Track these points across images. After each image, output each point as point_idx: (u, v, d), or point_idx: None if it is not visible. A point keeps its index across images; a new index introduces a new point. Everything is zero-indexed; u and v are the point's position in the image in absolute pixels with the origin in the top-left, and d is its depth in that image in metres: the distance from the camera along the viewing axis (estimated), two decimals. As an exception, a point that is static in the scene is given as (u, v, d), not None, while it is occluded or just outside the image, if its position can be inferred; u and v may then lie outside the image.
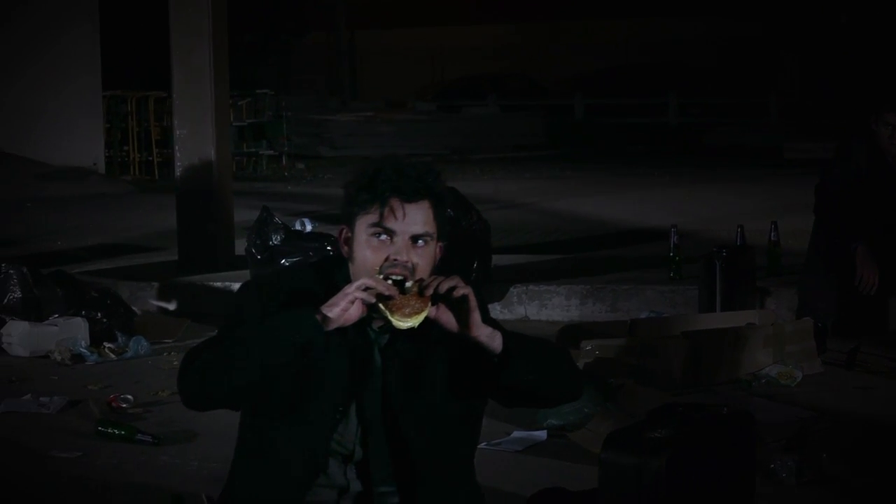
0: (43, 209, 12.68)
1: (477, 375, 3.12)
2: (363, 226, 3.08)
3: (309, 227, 10.17)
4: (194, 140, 7.62)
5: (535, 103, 29.29)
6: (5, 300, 6.43)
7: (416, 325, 2.99)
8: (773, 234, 7.01)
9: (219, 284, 7.30)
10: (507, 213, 11.10)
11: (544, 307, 6.88)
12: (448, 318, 3.02)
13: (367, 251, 3.08)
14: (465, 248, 6.79)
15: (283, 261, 6.58)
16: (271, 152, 19.55)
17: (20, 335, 6.28)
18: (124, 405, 5.38)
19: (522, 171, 18.13)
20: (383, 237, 3.06)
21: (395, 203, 3.06)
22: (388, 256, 3.05)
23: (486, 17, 39.30)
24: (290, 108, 20.28)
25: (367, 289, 2.98)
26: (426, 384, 3.12)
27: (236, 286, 7.07)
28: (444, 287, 3.01)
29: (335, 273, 3.17)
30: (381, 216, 3.06)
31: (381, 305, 2.98)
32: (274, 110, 19.85)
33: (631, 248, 9.00)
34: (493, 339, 3.05)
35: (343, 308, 2.99)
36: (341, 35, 30.51)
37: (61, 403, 5.41)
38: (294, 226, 10.10)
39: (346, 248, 3.14)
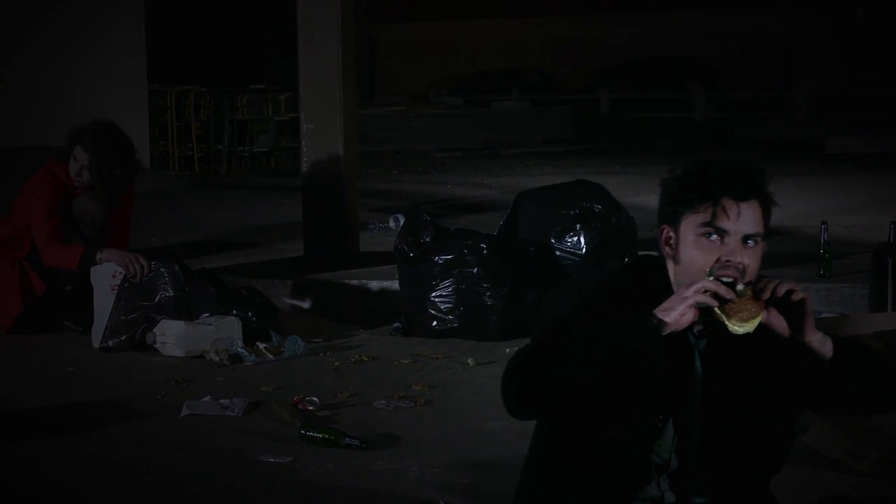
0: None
1: (799, 382, 3.01)
2: (691, 225, 2.97)
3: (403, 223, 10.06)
4: (322, 135, 7.48)
5: (559, 98, 29.20)
6: (157, 298, 6.28)
7: (752, 329, 2.88)
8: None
9: (355, 283, 7.15)
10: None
11: (694, 305, 6.74)
12: (779, 323, 2.91)
13: (695, 252, 2.96)
14: (616, 246, 6.67)
15: (435, 258, 6.44)
16: (312, 147, 19.41)
17: (176, 335, 6.13)
18: (311, 407, 5.24)
19: (569, 166, 17.98)
20: (714, 237, 2.94)
21: (728, 202, 2.96)
22: (720, 258, 2.94)
23: (500, 11, 39.23)
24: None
25: (705, 291, 2.87)
26: (746, 391, 3.01)
27: (373, 284, 7.00)
28: (782, 290, 2.90)
29: (650, 275, 3.06)
30: (714, 215, 2.95)
31: (716, 309, 2.87)
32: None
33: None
34: (824, 345, 2.95)
35: (681, 312, 2.88)
36: (362, 28, 30.26)
37: (243, 405, 5.28)
38: (388, 223, 9.99)
39: (667, 248, 3.03)
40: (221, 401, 5.33)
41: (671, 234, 3.02)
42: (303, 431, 4.84)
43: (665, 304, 2.89)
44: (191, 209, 12.40)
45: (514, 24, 39.65)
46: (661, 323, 2.87)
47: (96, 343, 6.35)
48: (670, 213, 3.04)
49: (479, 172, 16.95)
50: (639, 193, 12.22)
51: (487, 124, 23.58)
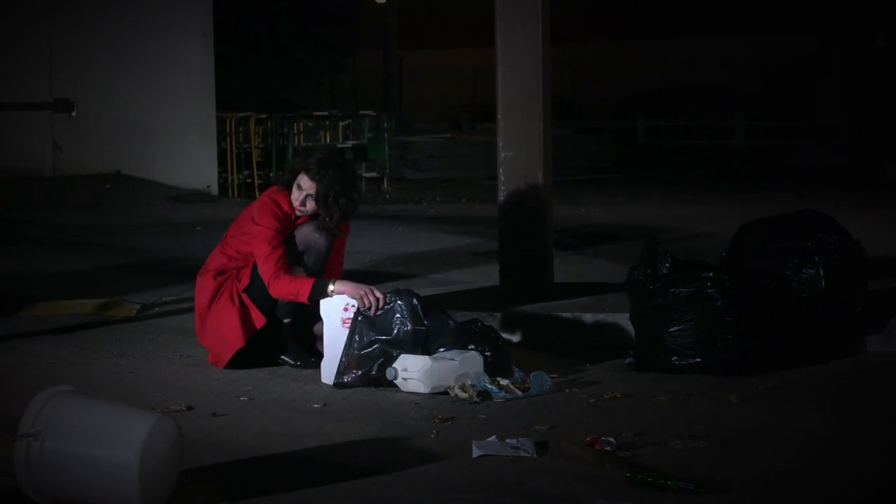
0: (211, 234, 12.27)
1: None
2: None
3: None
4: (521, 162, 7.27)
5: (593, 125, 29.05)
6: (394, 332, 6.04)
7: None
8: None
9: (568, 315, 6.94)
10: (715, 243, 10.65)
11: (928, 338, 6.57)
12: None
13: None
14: (854, 278, 6.48)
15: (675, 290, 6.23)
16: (373, 174, 19.25)
17: (422, 370, 5.89)
18: (608, 448, 5.02)
19: (635, 195, 17.81)
20: None
21: None
22: None
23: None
24: (385, 131, 19.94)
25: None
26: None
27: (587, 317, 6.78)
28: None
29: None
30: None
31: None
32: (374, 132, 19.56)
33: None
34: None
35: None
36: (391, 55, 30.16)
37: (532, 445, 5.05)
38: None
39: None
40: (508, 440, 5.10)
41: None
42: (629, 475, 4.62)
43: None
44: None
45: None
46: None
47: (328, 379, 6.11)
48: None
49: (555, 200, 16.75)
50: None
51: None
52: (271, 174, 18.25)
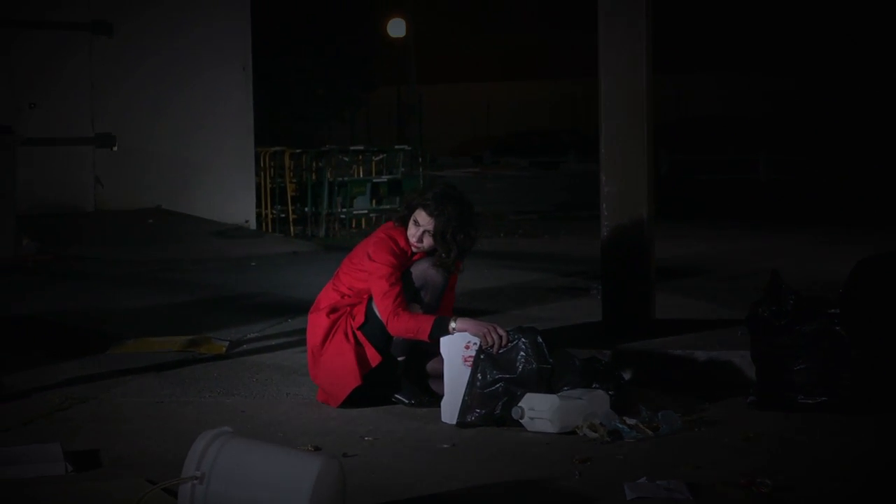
0: (268, 269, 12.16)
1: None
2: None
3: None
4: (625, 198, 7.17)
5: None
6: (518, 371, 5.92)
7: None
8: None
9: (679, 352, 6.82)
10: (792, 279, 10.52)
11: None
12: None
13: None
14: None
15: (800, 327, 6.12)
16: (408, 209, 19.12)
17: (550, 410, 5.76)
18: (764, 490, 4.90)
19: (678, 231, 17.67)
20: None
21: None
22: None
23: (529, 73, 39.21)
24: (420, 165, 19.86)
25: None
26: None
27: (699, 354, 6.66)
28: None
29: None
30: None
31: None
32: (407, 166, 19.48)
33: None
34: None
35: None
36: (412, 90, 30.13)
37: (685, 488, 4.93)
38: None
39: None
40: (659, 482, 4.98)
41: None
42: (801, 518, 4.51)
43: None
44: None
45: (548, 85, 39.58)
46: None
47: (450, 418, 5.98)
48: None
49: (586, 234, 16.66)
50: (806, 262, 11.95)
51: (560, 186, 23.43)
52: (305, 209, 18.16)
